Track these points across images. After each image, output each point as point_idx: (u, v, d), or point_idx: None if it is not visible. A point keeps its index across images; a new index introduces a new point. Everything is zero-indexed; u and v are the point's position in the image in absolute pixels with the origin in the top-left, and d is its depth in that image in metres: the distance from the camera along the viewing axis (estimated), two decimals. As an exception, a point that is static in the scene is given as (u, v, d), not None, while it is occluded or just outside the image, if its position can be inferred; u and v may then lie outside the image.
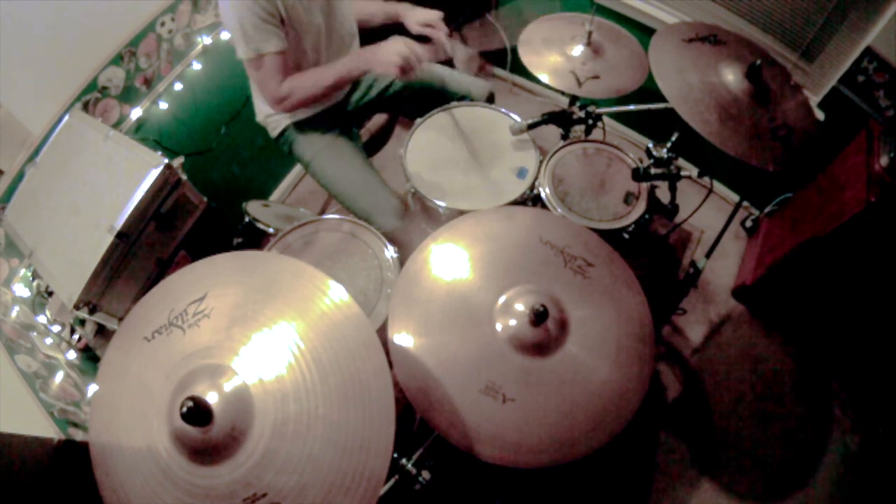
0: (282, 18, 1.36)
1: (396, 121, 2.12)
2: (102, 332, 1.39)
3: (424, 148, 1.55)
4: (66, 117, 1.46)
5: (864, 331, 1.84)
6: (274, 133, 1.66)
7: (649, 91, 1.41)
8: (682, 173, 1.37)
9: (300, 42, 1.46)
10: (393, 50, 1.37)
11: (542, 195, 1.44)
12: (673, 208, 1.45)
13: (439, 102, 1.62)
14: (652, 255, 2.20)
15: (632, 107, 1.62)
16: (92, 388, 1.32)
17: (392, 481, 1.13)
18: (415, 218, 1.56)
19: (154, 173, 1.28)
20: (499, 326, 1.02)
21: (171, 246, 1.44)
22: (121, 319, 1.33)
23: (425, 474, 1.14)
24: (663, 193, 1.46)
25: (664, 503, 1.72)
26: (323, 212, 2.31)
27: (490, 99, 1.76)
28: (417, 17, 1.58)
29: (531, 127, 1.51)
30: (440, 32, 1.54)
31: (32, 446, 1.07)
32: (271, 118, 1.63)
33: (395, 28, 1.62)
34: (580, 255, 1.12)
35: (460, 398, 0.95)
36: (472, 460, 0.92)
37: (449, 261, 1.10)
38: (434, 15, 1.56)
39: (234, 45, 1.38)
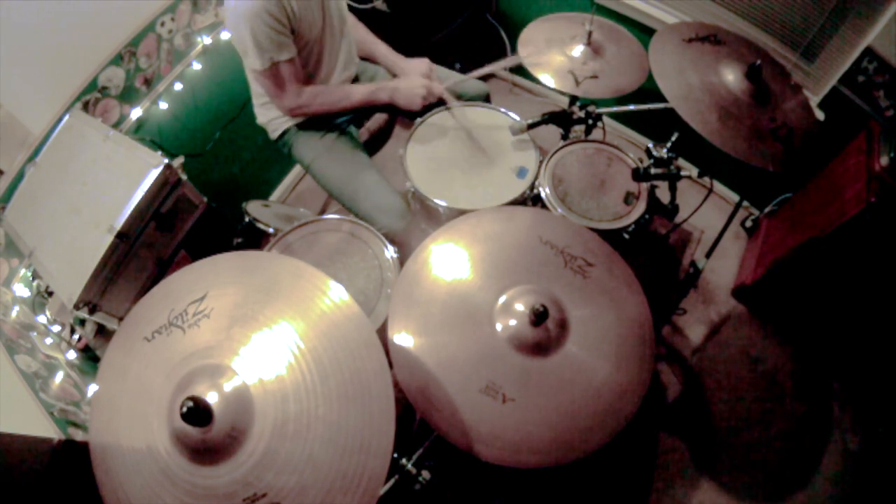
0: (291, 26, 1.37)
1: (396, 121, 2.11)
2: (102, 332, 1.39)
3: (424, 148, 1.55)
4: (66, 117, 1.46)
5: (864, 331, 1.84)
6: (274, 135, 1.66)
7: (649, 91, 1.41)
8: (682, 173, 1.37)
9: (306, 42, 1.46)
10: (416, 93, 1.52)
11: (542, 195, 1.44)
12: (673, 208, 1.45)
13: (439, 102, 1.62)
14: (652, 255, 2.20)
15: (632, 107, 1.62)
16: (92, 388, 1.32)
17: (392, 481, 1.13)
18: (415, 218, 1.56)
19: (154, 173, 1.28)
20: (499, 326, 1.02)
21: (171, 246, 1.44)
22: (121, 319, 1.33)
23: (425, 474, 1.14)
24: (663, 193, 1.46)
25: (664, 503, 1.72)
26: (323, 212, 2.30)
27: (486, 101, 1.76)
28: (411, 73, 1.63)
29: (531, 127, 1.51)
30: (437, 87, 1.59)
31: (32, 446, 1.07)
32: (273, 121, 1.63)
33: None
34: (580, 255, 1.12)
35: (460, 398, 0.95)
36: (472, 460, 0.92)
37: (449, 261, 1.10)
38: (425, 67, 1.63)
39: (244, 57, 1.40)
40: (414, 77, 1.57)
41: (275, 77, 1.42)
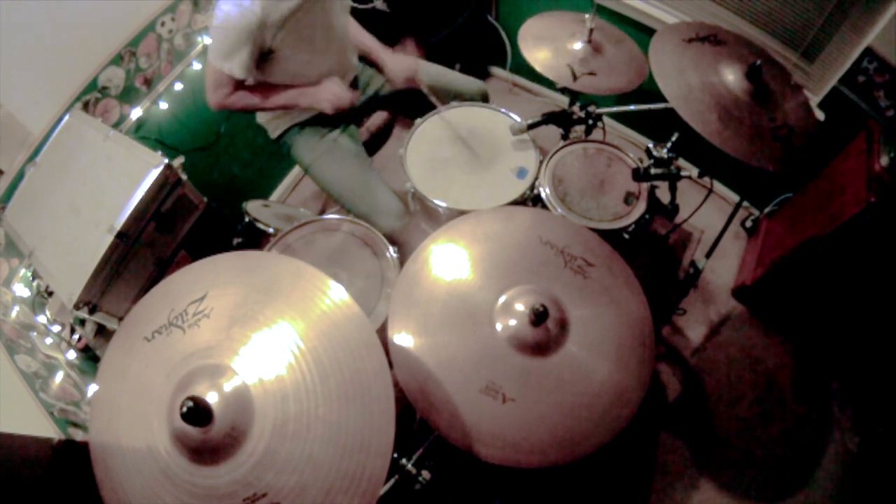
0: (270, 48, 1.37)
1: (396, 121, 2.12)
2: (102, 332, 1.39)
3: (424, 148, 1.55)
4: (66, 117, 1.46)
5: (864, 331, 1.84)
6: (274, 134, 1.66)
7: (649, 91, 1.41)
8: (682, 173, 1.37)
9: (299, 56, 1.45)
10: (328, 95, 1.49)
11: (542, 195, 1.44)
12: (673, 208, 1.45)
13: (429, 106, 1.62)
14: (652, 255, 2.20)
15: (632, 107, 1.62)
16: (92, 388, 1.32)
17: (392, 481, 1.13)
18: (415, 218, 1.56)
19: (154, 173, 1.28)
20: (499, 326, 1.02)
21: (171, 246, 1.44)
22: (121, 319, 1.33)
23: (425, 474, 1.14)
24: (663, 193, 1.46)
25: (664, 503, 1.72)
26: (323, 212, 2.30)
27: (484, 100, 1.76)
28: (397, 75, 1.63)
29: (531, 127, 1.51)
30: (422, 87, 1.61)
31: (32, 446, 1.07)
32: (272, 121, 1.63)
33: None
34: (580, 255, 1.12)
35: (460, 398, 0.95)
36: (472, 460, 0.92)
37: (449, 261, 1.10)
38: (411, 69, 1.61)
39: (209, 43, 1.37)
40: (330, 84, 1.52)
41: (216, 77, 1.39)
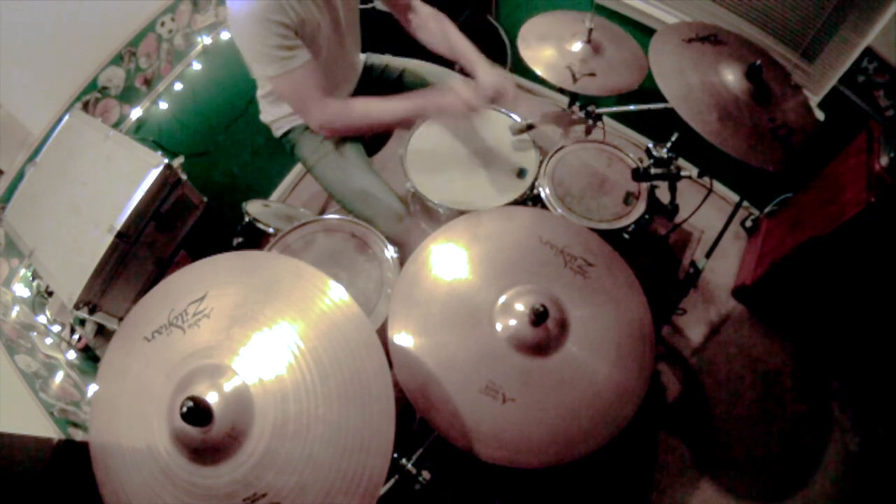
0: (296, 30, 1.31)
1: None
2: (102, 332, 1.39)
3: (424, 148, 1.55)
4: (66, 117, 1.46)
5: (864, 331, 1.84)
6: (278, 133, 1.65)
7: (649, 91, 1.41)
8: (682, 173, 1.37)
9: (314, 48, 1.44)
10: (462, 98, 1.37)
11: (542, 195, 1.44)
12: (673, 208, 1.45)
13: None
14: (652, 255, 2.20)
15: (632, 107, 1.62)
16: (92, 388, 1.32)
17: (392, 481, 1.13)
18: (415, 218, 1.56)
19: (154, 173, 1.28)
20: (499, 326, 1.02)
21: (171, 246, 1.44)
22: (121, 319, 1.33)
23: (425, 474, 1.14)
24: (663, 193, 1.46)
25: (664, 503, 1.72)
26: (323, 212, 2.30)
27: None
28: (486, 88, 1.45)
29: (531, 127, 1.51)
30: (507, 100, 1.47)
31: (32, 446, 1.07)
32: (278, 120, 1.62)
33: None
34: (580, 255, 1.12)
35: (460, 398, 0.95)
36: (472, 460, 0.92)
37: (449, 261, 1.10)
38: (501, 84, 1.44)
39: (254, 65, 1.30)
40: (458, 85, 1.40)
41: (293, 85, 1.32)
